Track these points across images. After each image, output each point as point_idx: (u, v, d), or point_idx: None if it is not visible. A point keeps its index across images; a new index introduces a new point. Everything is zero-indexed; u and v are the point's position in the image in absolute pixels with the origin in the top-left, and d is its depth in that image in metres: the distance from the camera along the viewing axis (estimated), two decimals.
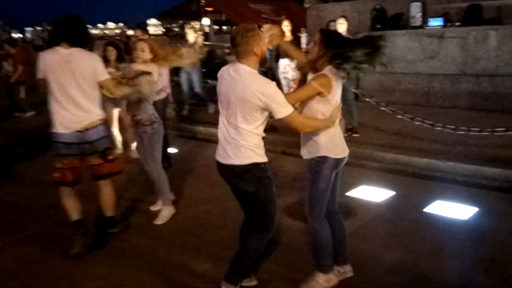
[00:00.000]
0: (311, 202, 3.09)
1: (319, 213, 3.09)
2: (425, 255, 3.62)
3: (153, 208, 4.70)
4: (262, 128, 2.85)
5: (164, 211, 4.52)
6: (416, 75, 8.82)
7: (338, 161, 3.05)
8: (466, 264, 3.50)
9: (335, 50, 2.87)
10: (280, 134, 7.32)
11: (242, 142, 2.79)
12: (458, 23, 8.57)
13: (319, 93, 2.90)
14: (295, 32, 8.01)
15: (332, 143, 3.02)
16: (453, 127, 6.01)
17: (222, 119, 2.90)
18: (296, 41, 7.87)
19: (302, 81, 3.33)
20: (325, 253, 3.14)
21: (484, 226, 4.08)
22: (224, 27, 36.00)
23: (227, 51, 15.84)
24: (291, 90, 7.91)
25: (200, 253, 3.81)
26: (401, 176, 5.52)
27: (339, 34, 3.16)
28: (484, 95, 8.13)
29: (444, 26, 8.44)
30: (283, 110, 2.74)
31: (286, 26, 7.75)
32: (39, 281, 3.50)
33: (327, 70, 2.92)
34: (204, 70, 12.12)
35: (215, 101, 8.91)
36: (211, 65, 13.48)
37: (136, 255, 3.83)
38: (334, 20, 8.14)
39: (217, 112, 3.00)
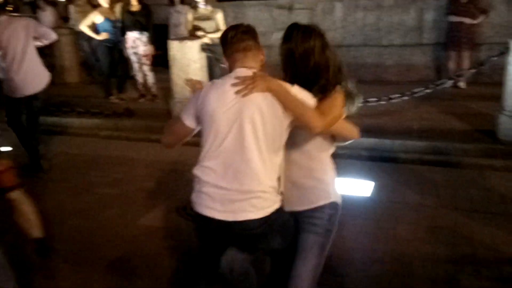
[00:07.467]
0: (315, 278, 2.05)
1: None
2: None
3: None
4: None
5: None
6: (268, 48, 8.59)
7: None
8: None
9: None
10: (139, 119, 6.47)
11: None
12: None
13: None
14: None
15: (335, 179, 2.16)
16: None
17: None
18: (145, 11, 6.90)
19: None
20: None
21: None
22: None
23: None
24: (144, 66, 6.99)
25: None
26: None
27: None
28: None
29: None
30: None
31: None
32: None
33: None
34: None
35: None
36: None
37: None
38: None
39: None
